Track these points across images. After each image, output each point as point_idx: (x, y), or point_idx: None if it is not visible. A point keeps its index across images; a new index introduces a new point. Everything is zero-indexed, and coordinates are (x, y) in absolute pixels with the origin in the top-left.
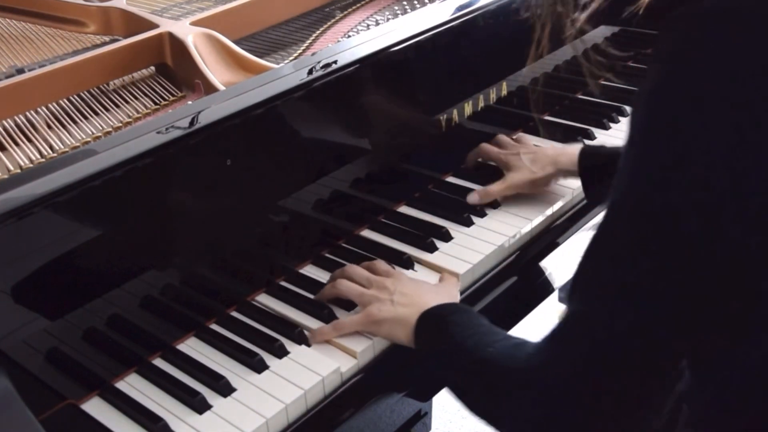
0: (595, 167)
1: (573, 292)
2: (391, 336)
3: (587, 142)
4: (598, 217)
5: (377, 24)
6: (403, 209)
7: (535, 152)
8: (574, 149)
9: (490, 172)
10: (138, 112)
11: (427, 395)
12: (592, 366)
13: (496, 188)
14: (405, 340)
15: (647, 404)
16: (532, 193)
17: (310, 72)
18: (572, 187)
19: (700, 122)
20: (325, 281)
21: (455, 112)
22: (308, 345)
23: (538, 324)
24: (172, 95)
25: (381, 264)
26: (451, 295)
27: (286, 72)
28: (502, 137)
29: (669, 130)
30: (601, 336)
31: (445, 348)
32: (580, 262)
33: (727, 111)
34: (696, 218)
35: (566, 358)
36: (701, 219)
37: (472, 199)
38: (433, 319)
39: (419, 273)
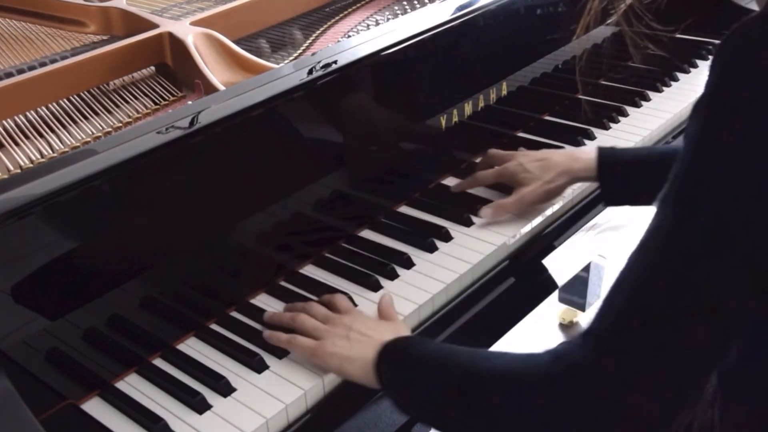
0: (615, 172)
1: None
2: (341, 371)
3: (589, 142)
4: (598, 217)
5: (377, 24)
6: (403, 209)
7: (542, 159)
8: (586, 154)
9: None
10: (138, 112)
11: None
12: (642, 365)
13: (510, 203)
14: (358, 375)
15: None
16: (546, 203)
17: (310, 72)
18: (572, 187)
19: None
20: (325, 281)
21: (455, 112)
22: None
23: (538, 325)
24: (172, 95)
25: (341, 301)
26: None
27: (286, 72)
28: (493, 151)
29: (732, 137)
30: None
31: (429, 370)
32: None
33: None
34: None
35: (616, 360)
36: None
37: (485, 214)
38: (404, 347)
39: (419, 273)
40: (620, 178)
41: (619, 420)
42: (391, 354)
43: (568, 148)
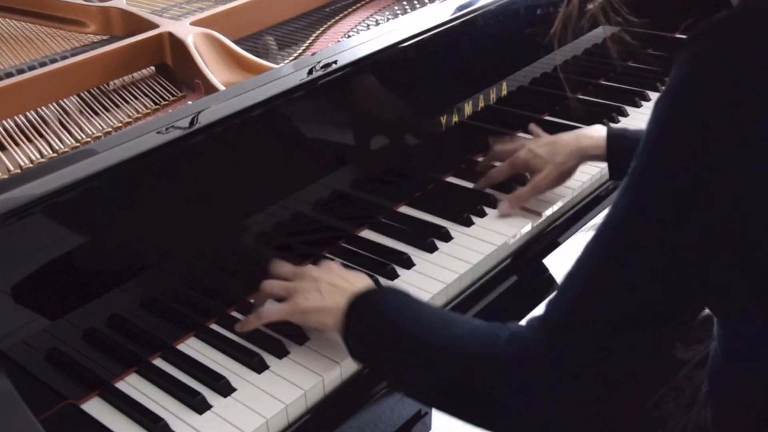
0: (624, 148)
1: (572, 276)
2: (320, 325)
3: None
4: (598, 217)
5: (377, 24)
6: (403, 209)
7: (552, 143)
8: (596, 132)
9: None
10: (138, 112)
11: None
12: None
13: (526, 191)
14: (335, 325)
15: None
16: (560, 185)
17: (310, 72)
18: (572, 187)
19: (728, 131)
20: None
21: (455, 112)
22: (309, 345)
23: None
24: (172, 95)
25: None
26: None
27: (286, 72)
28: (500, 146)
29: (695, 138)
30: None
31: (390, 326)
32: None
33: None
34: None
35: (575, 345)
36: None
37: (503, 208)
38: (372, 298)
39: (419, 273)
40: (629, 154)
41: (561, 404)
42: (360, 305)
43: (577, 130)
